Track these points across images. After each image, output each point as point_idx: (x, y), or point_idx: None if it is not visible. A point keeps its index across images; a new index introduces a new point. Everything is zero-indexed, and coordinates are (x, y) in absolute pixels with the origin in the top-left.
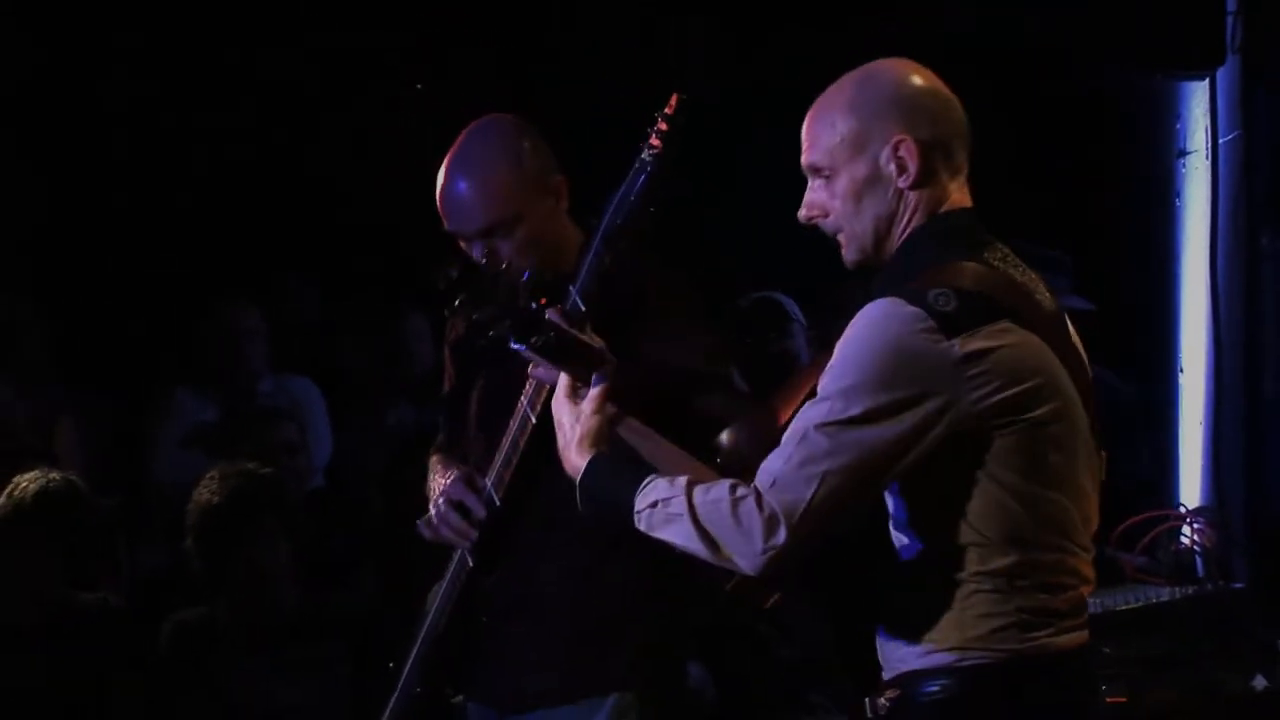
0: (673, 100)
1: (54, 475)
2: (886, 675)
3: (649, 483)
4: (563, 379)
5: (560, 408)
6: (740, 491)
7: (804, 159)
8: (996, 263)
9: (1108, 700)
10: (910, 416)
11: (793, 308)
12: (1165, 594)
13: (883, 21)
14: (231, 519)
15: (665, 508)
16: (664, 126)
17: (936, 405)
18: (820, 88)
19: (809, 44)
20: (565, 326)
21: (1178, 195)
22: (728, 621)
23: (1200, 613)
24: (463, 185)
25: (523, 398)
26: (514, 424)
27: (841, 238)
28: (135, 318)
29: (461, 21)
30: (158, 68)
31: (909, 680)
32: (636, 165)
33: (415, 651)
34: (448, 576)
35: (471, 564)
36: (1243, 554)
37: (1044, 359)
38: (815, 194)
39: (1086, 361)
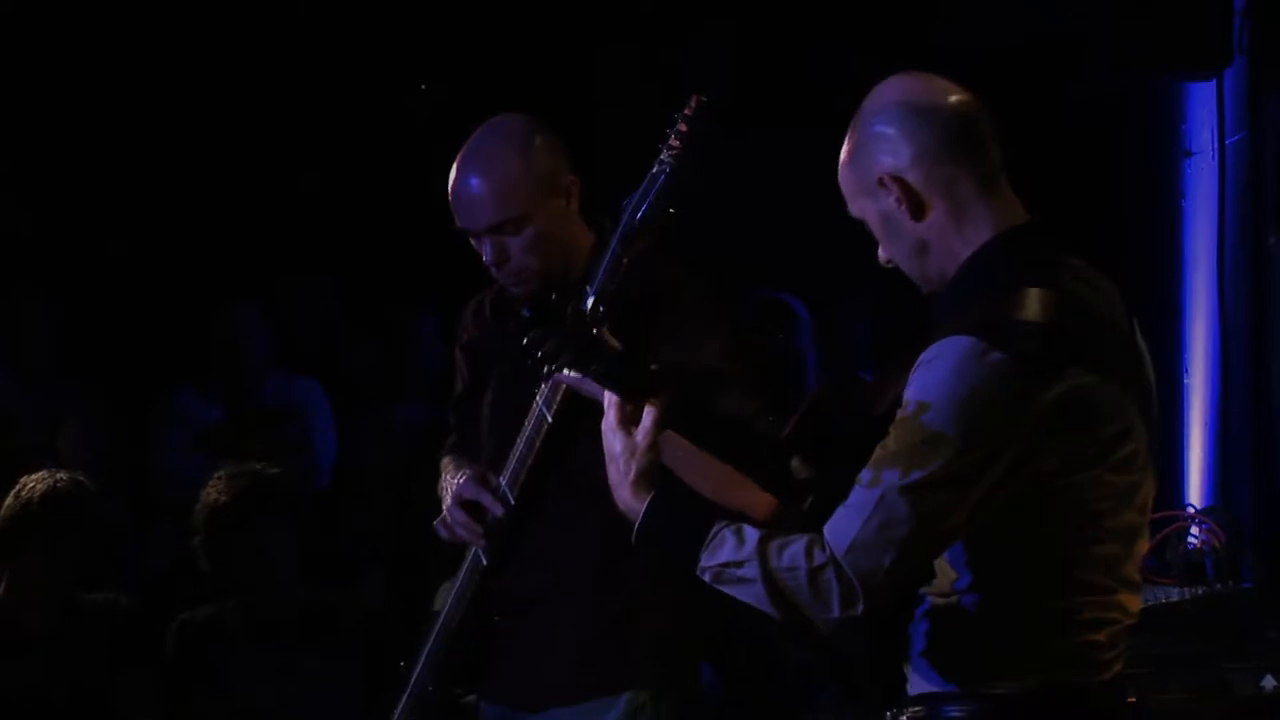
0: (692, 102)
1: (61, 476)
2: (912, 691)
3: (716, 536)
4: (616, 406)
5: (613, 438)
6: (818, 558)
7: (842, 178)
8: (1068, 284)
9: None
10: (991, 472)
11: (799, 306)
12: (1175, 595)
13: (892, 24)
14: (239, 518)
15: (737, 570)
16: (683, 128)
17: (1016, 457)
18: (829, 89)
19: (818, 47)
20: (623, 354)
21: (1183, 196)
22: (736, 621)
23: (1210, 613)
24: (473, 182)
25: (538, 398)
26: (529, 424)
27: (903, 268)
28: (140, 318)
29: (470, 21)
30: (168, 67)
31: (935, 700)
32: (655, 166)
33: (427, 650)
34: (461, 575)
35: (485, 562)
36: (1252, 554)
37: (1119, 403)
38: (870, 230)
39: (1153, 379)
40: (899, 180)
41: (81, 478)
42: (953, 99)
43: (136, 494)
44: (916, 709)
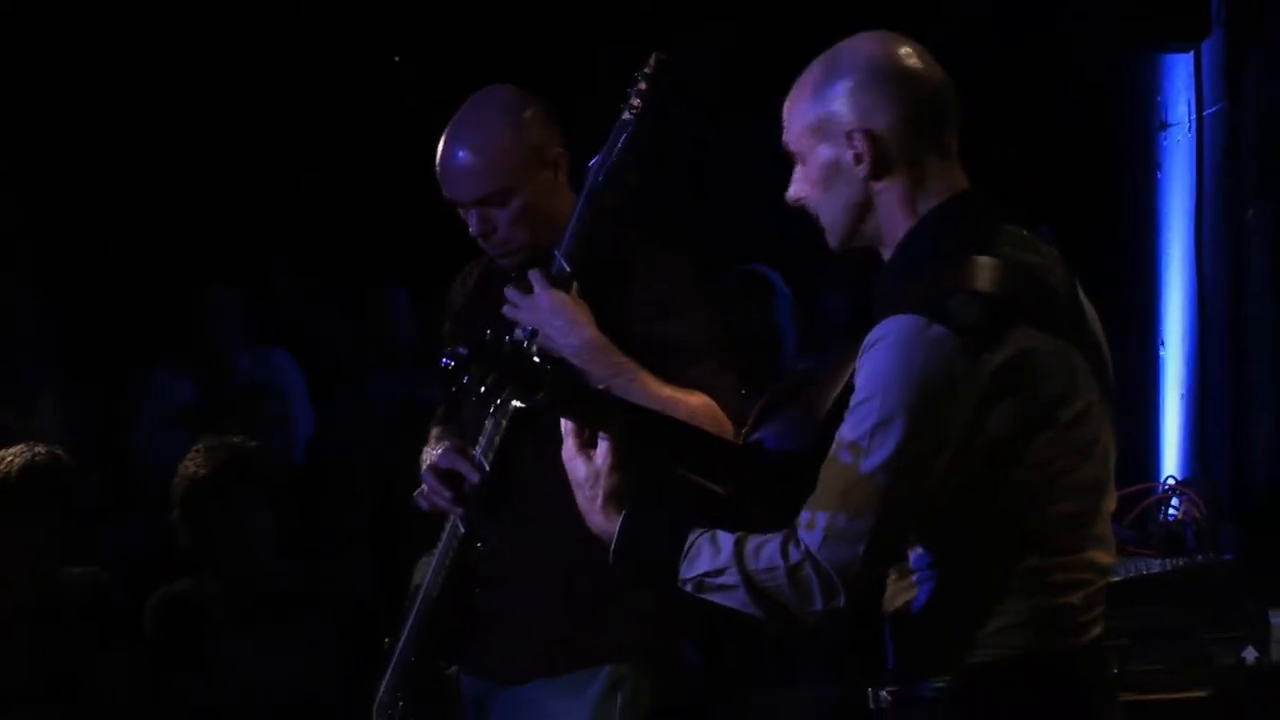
0: (652, 60)
1: (39, 450)
2: (891, 668)
3: (692, 547)
4: (572, 433)
5: (574, 465)
6: (794, 555)
7: (784, 140)
8: (1007, 250)
9: None
10: (947, 446)
11: (779, 282)
12: (1156, 566)
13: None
14: (217, 492)
15: (717, 578)
16: (644, 86)
17: (969, 426)
18: (804, 63)
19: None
20: (569, 379)
21: (1159, 168)
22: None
23: (1191, 584)
24: (460, 154)
25: None
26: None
27: (822, 220)
28: (113, 297)
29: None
30: (139, 49)
31: (915, 676)
32: (618, 125)
33: (409, 623)
34: (440, 547)
35: (463, 531)
36: (1232, 526)
37: (1067, 359)
38: (797, 176)
39: (1102, 335)
40: (873, 137)
41: (59, 452)
42: (937, 72)
43: (112, 471)
44: (897, 686)
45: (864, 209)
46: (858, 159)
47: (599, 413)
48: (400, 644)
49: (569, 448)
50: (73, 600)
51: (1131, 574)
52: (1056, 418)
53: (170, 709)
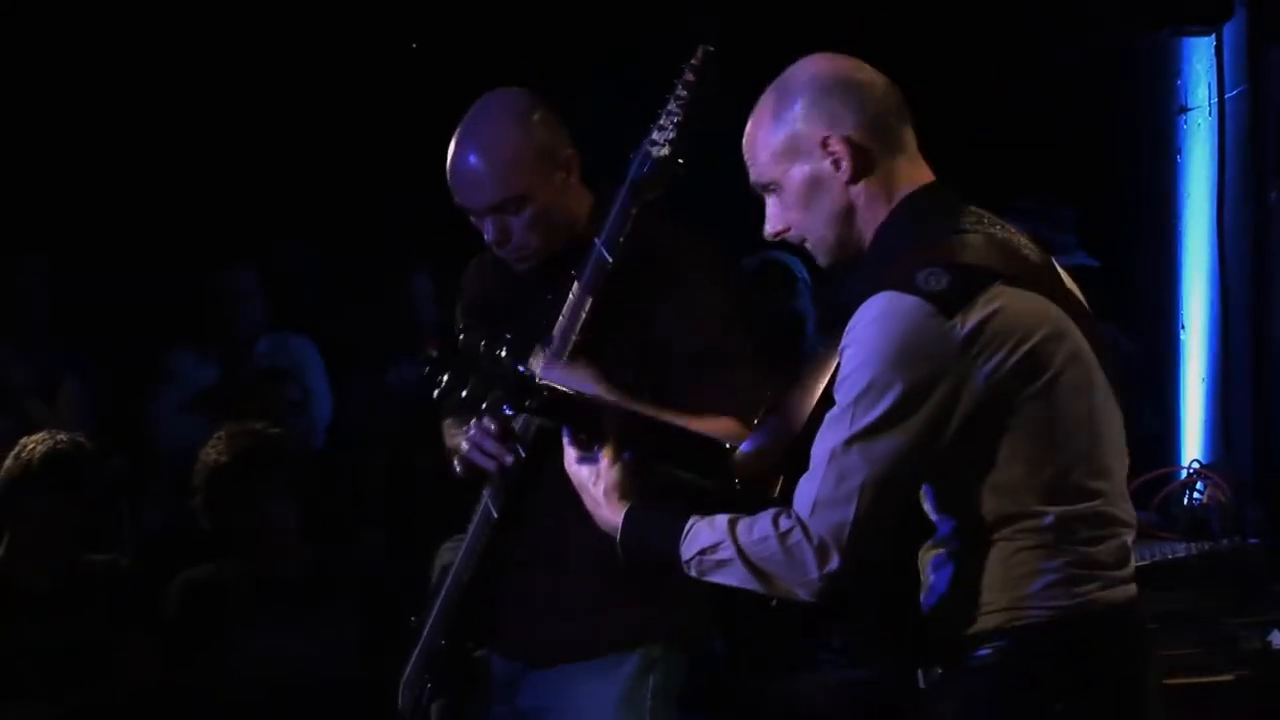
0: (699, 52)
1: (61, 437)
2: (935, 646)
3: (690, 530)
4: (569, 437)
5: (576, 468)
6: (784, 524)
7: (751, 178)
8: (971, 227)
9: None
10: (931, 407)
11: (799, 267)
12: (1181, 550)
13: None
14: (239, 477)
15: (714, 554)
16: (690, 78)
17: (953, 388)
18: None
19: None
20: (557, 386)
21: (1179, 151)
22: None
23: (1217, 569)
24: (472, 160)
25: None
26: None
27: (810, 243)
28: (135, 282)
29: None
30: (162, 33)
31: (960, 647)
32: (665, 114)
33: (439, 604)
34: (470, 531)
35: (496, 516)
36: (1257, 510)
37: (1043, 309)
38: (773, 209)
39: (1088, 309)
40: (848, 141)
41: (81, 439)
42: (880, 78)
43: (134, 456)
44: (944, 661)
45: (848, 215)
46: (836, 164)
47: (589, 416)
48: (428, 625)
49: (568, 454)
50: (94, 584)
51: (1157, 558)
52: (1044, 367)
53: (191, 691)
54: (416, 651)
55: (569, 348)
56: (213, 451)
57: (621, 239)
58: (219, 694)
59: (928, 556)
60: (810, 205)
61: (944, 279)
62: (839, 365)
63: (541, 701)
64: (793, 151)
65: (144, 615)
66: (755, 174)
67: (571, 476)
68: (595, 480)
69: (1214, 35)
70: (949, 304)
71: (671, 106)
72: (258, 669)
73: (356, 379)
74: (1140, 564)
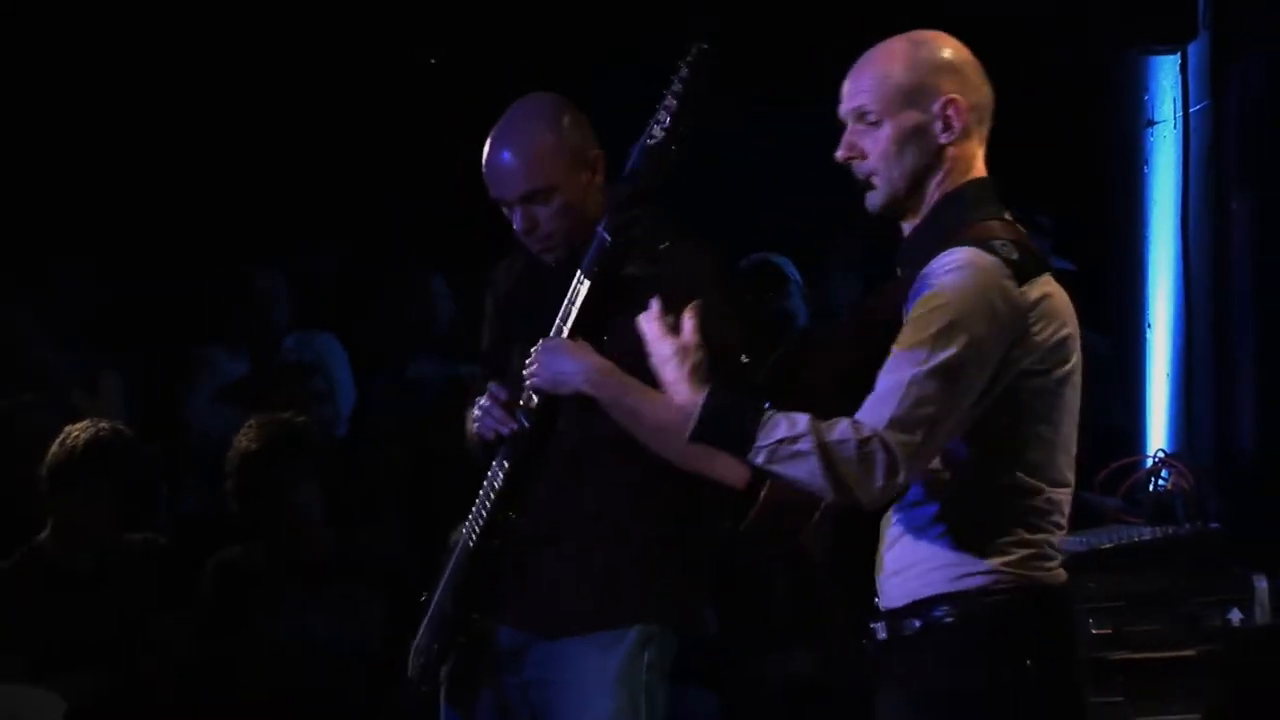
0: (694, 49)
1: (103, 425)
2: (886, 606)
3: (770, 419)
4: (659, 315)
5: (661, 344)
6: (864, 431)
7: (850, 103)
8: (1014, 222)
9: (1094, 632)
10: (995, 360)
11: (790, 269)
12: (1146, 534)
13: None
14: (268, 464)
15: (791, 445)
16: (686, 73)
17: (1012, 347)
18: (810, 59)
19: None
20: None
21: (1146, 162)
22: (731, 559)
23: (1179, 551)
24: (505, 155)
25: None
26: None
27: (877, 180)
28: (171, 281)
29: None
30: (195, 37)
31: (919, 606)
32: (662, 108)
33: (446, 573)
34: (478, 499)
35: (500, 485)
36: (1218, 496)
37: (1070, 310)
38: (857, 137)
39: None
40: (963, 110)
41: (121, 427)
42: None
43: (170, 444)
44: (902, 618)
45: (926, 174)
46: (946, 125)
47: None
48: (437, 594)
49: (655, 330)
50: (133, 563)
51: (1123, 541)
52: (1067, 357)
53: (221, 664)
54: (425, 619)
55: (569, 324)
56: (243, 440)
57: (621, 224)
58: (247, 667)
59: (903, 513)
60: (901, 151)
61: (1015, 252)
62: (916, 291)
63: (545, 674)
64: (914, 96)
65: (179, 593)
66: (859, 101)
67: (653, 352)
68: (682, 357)
69: (1179, 54)
70: (1022, 273)
71: (668, 100)
72: (284, 644)
73: (377, 373)
74: (1108, 547)
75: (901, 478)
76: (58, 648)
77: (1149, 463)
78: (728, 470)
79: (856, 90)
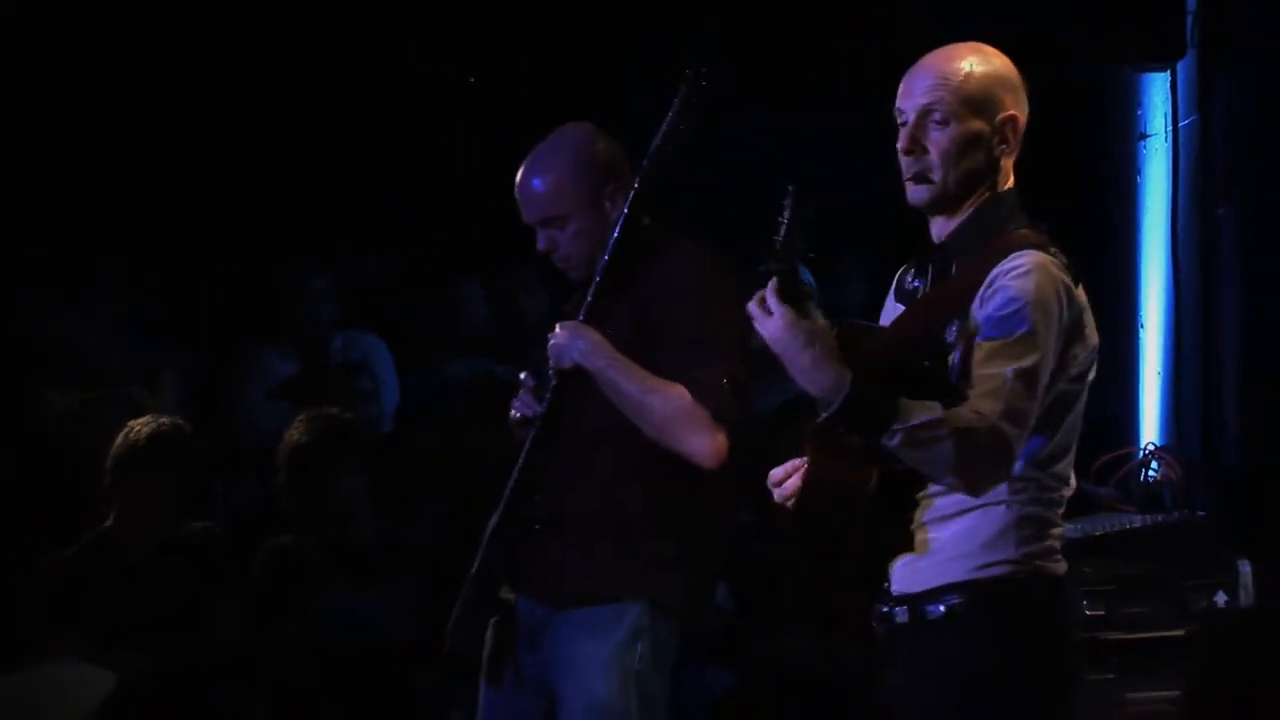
0: (690, 72)
1: (163, 420)
2: (922, 588)
3: (906, 405)
4: (788, 308)
5: (795, 330)
6: (988, 423)
7: (918, 99)
8: None
9: (1088, 613)
10: (1062, 355)
11: (805, 275)
12: (1137, 521)
13: (867, 15)
14: (317, 457)
15: (929, 430)
16: (686, 91)
17: (1069, 345)
18: (813, 75)
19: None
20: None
21: (1139, 173)
22: (749, 546)
23: (1168, 538)
24: (528, 182)
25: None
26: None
27: (934, 176)
28: (225, 286)
29: (514, 25)
30: (244, 47)
31: (949, 592)
32: (665, 121)
33: (480, 554)
34: (508, 484)
35: (523, 462)
36: (1204, 486)
37: (1092, 320)
38: (921, 133)
39: None
40: (1019, 128)
41: (180, 422)
42: None
43: (225, 438)
44: (925, 603)
45: (979, 181)
46: (1003, 138)
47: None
48: (472, 572)
49: (787, 317)
50: (191, 550)
51: (1116, 528)
52: (1091, 363)
53: (273, 645)
54: (461, 596)
55: (583, 312)
56: (294, 434)
57: (629, 225)
58: (296, 647)
59: (928, 501)
60: (962, 155)
61: (1063, 259)
62: (983, 294)
63: (554, 656)
64: (981, 105)
65: (233, 578)
66: (929, 99)
67: (783, 338)
68: (818, 338)
69: (1169, 71)
70: (1075, 278)
71: (671, 115)
72: (330, 625)
73: (418, 372)
74: (1101, 533)
75: (1012, 469)
76: (119, 628)
77: (1141, 454)
78: (696, 446)
79: (926, 89)
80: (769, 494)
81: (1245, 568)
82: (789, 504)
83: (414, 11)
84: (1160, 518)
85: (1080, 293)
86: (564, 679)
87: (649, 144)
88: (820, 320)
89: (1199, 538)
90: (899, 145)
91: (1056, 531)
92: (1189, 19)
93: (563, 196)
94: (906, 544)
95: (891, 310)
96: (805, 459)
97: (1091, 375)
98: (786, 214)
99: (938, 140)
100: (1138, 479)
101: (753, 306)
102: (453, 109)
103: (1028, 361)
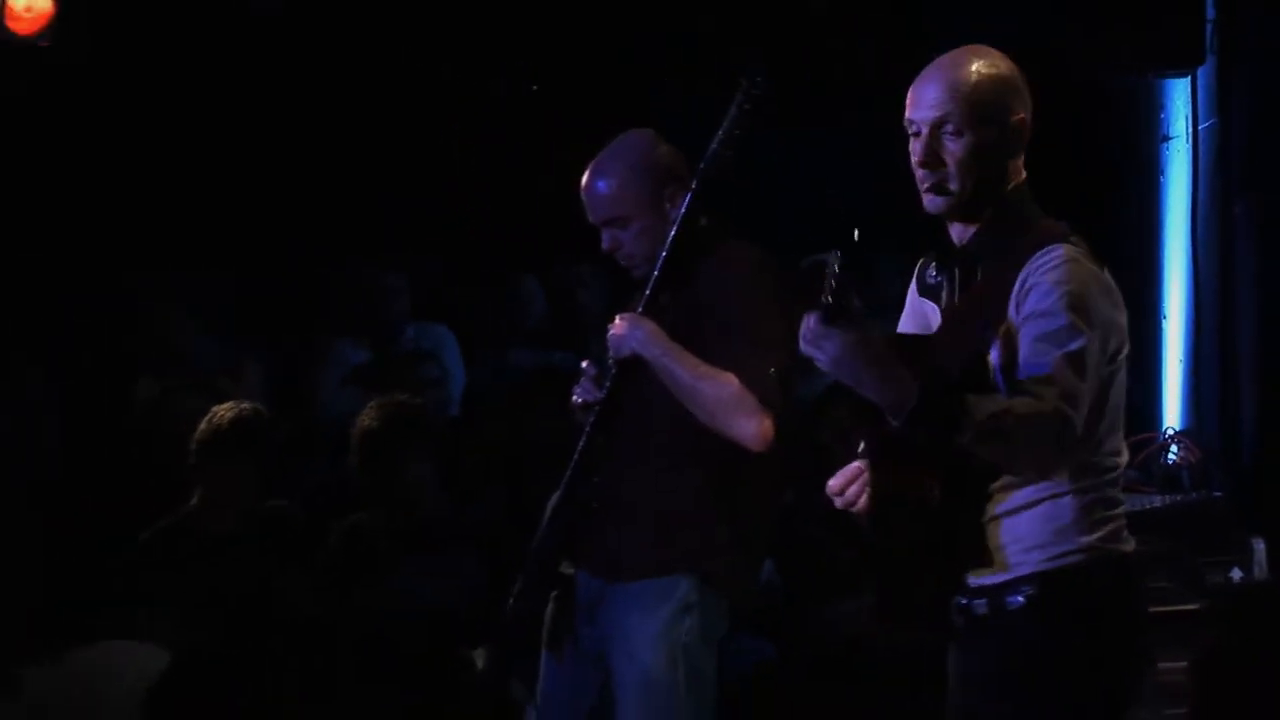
0: (746, 80)
1: (245, 405)
2: (999, 579)
3: (974, 402)
4: (842, 335)
5: (863, 348)
6: (1054, 406)
7: (929, 112)
8: None
9: None
10: (1107, 339)
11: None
12: (1158, 501)
13: (900, 27)
14: (387, 441)
15: (997, 422)
16: (740, 98)
17: (1110, 329)
18: (835, 85)
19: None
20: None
21: (1162, 173)
22: (793, 524)
23: (1187, 517)
24: (595, 184)
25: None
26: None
27: (952, 186)
28: (301, 281)
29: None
30: (313, 58)
31: (1027, 582)
32: (721, 128)
33: (542, 531)
34: (572, 459)
35: (584, 444)
36: (1221, 469)
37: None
38: (936, 146)
39: None
40: (1028, 129)
41: (260, 407)
42: None
43: (302, 423)
44: (1003, 594)
45: (993, 184)
46: (1015, 141)
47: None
48: (534, 547)
49: (845, 337)
50: (269, 528)
51: (1137, 508)
52: (1125, 340)
53: (346, 617)
54: (524, 570)
55: (643, 303)
56: (365, 419)
57: (685, 225)
58: (365, 622)
59: (999, 494)
60: (977, 162)
61: (1084, 246)
62: (1018, 295)
63: (607, 629)
64: (992, 112)
65: (309, 552)
66: (940, 112)
67: (850, 359)
68: (873, 360)
69: (1190, 77)
70: (1099, 263)
71: (726, 121)
72: (399, 598)
73: (483, 361)
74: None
75: (1075, 448)
76: (202, 603)
77: (1162, 438)
78: (745, 429)
79: (936, 100)
80: (812, 476)
81: (1259, 546)
82: (854, 510)
83: (481, 25)
84: (1179, 498)
85: (1108, 275)
86: (617, 650)
87: (703, 148)
88: (875, 333)
89: (1216, 517)
90: (915, 159)
91: (1121, 510)
92: (1208, 28)
93: (625, 198)
94: (980, 538)
95: (916, 304)
96: (864, 471)
97: (1125, 351)
98: (834, 281)
99: (953, 151)
100: (1159, 462)
101: (806, 345)
102: (517, 120)
103: (1074, 345)
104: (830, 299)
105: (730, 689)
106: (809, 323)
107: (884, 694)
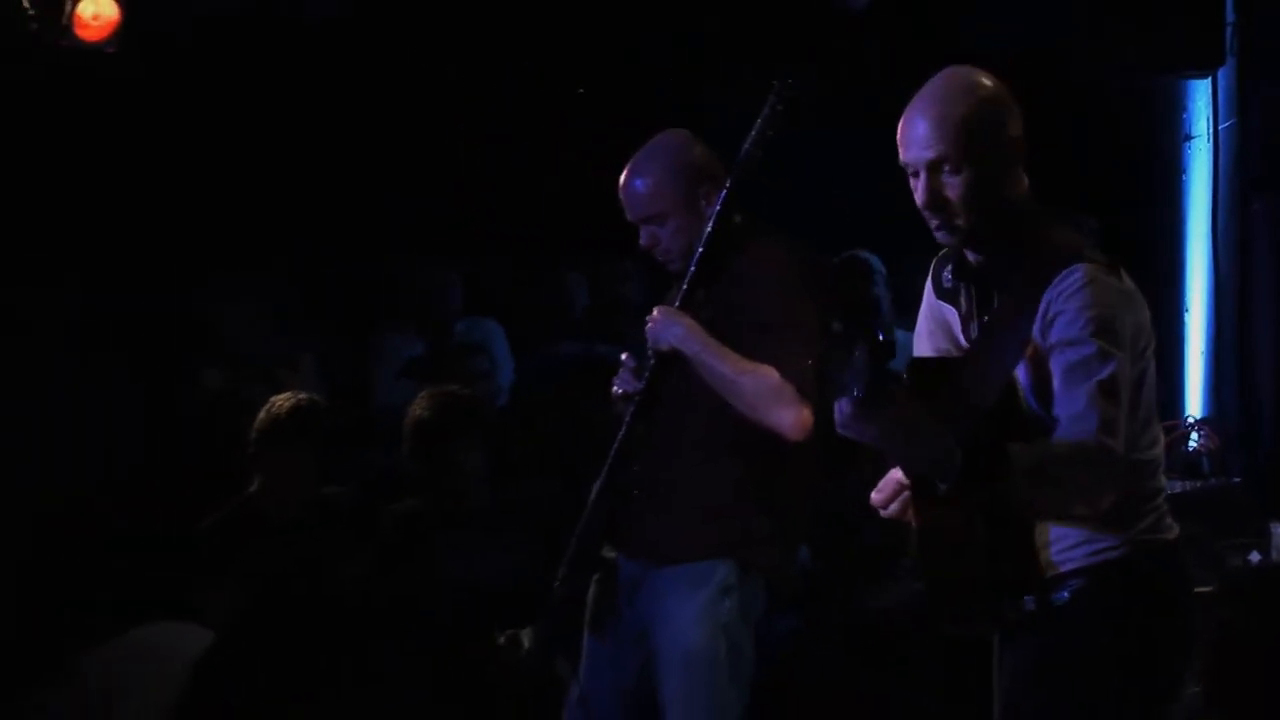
0: (777, 83)
1: (302, 395)
2: (1045, 576)
3: (1015, 452)
4: (880, 417)
5: (892, 431)
6: (1098, 446)
7: (925, 152)
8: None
9: None
10: (1136, 352)
11: (876, 261)
12: (1179, 487)
13: (928, 32)
14: (439, 430)
15: (1042, 472)
16: (773, 99)
17: (1138, 335)
18: (850, 92)
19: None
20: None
21: (1184, 171)
22: (826, 511)
23: (1207, 502)
24: (630, 183)
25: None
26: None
27: (959, 222)
28: (357, 278)
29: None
30: (366, 66)
31: (1073, 578)
32: (754, 129)
33: (585, 516)
34: (612, 448)
35: (624, 434)
36: (1240, 455)
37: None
38: (938, 185)
39: None
40: (1022, 143)
41: (317, 397)
42: None
43: (358, 413)
44: (1050, 590)
45: (1000, 207)
46: (1010, 159)
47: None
48: (577, 532)
49: (882, 420)
50: (326, 513)
51: None
52: (1149, 335)
53: (400, 599)
54: (568, 554)
55: (679, 298)
56: (417, 409)
57: (720, 222)
58: (419, 603)
59: None
60: (981, 193)
61: (1100, 255)
62: (1043, 321)
63: (650, 610)
64: (986, 140)
65: (365, 536)
66: (936, 152)
67: (889, 438)
68: (911, 437)
69: (1211, 79)
70: (1117, 272)
71: (760, 121)
72: (450, 581)
73: (531, 353)
74: None
75: (1122, 476)
76: (263, 584)
77: (1183, 426)
78: (784, 419)
79: (928, 140)
80: (847, 463)
81: (1277, 530)
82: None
83: (533, 30)
84: (1200, 484)
85: (1127, 280)
86: (660, 631)
87: (736, 147)
88: (913, 408)
89: (1235, 502)
90: (918, 200)
91: (1162, 498)
92: (1228, 31)
93: (662, 197)
94: (1028, 538)
95: (934, 306)
96: (903, 487)
97: (1152, 346)
98: (863, 370)
99: (954, 187)
100: (1180, 449)
101: (842, 429)
102: (564, 123)
103: (1106, 373)
104: (860, 391)
105: (766, 666)
106: (842, 408)
107: (916, 674)
